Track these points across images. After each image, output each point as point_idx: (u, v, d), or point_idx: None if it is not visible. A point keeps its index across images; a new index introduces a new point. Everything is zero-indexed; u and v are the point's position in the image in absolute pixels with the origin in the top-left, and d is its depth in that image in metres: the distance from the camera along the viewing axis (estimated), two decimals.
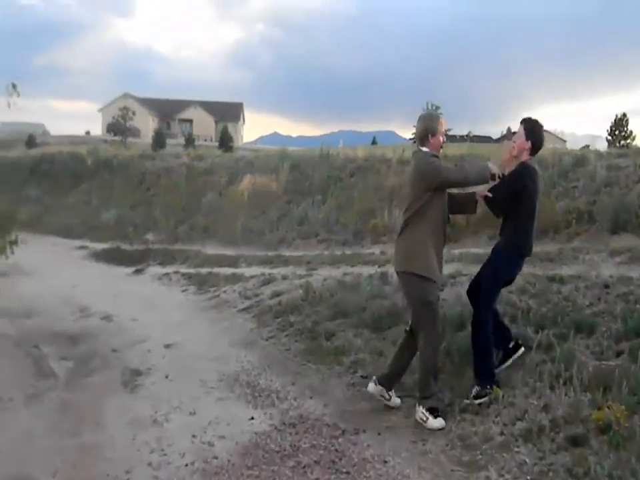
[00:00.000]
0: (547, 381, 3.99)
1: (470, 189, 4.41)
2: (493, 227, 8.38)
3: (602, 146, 31.74)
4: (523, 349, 4.33)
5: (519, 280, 6.20)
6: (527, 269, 6.73)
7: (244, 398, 4.77)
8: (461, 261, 6.99)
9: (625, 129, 37.60)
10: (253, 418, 4.36)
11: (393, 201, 10.13)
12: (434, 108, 32.65)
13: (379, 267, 7.56)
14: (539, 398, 3.86)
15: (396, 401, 4.33)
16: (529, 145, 4.04)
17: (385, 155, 13.13)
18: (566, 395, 3.76)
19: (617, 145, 33.50)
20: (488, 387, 3.99)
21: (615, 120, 37.55)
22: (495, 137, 35.84)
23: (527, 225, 4.07)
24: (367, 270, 7.48)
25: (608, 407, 3.40)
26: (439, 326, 4.24)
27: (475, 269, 4.69)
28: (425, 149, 4.03)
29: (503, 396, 3.97)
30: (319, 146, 15.71)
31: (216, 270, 9.70)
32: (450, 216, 4.20)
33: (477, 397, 4.01)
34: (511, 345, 4.33)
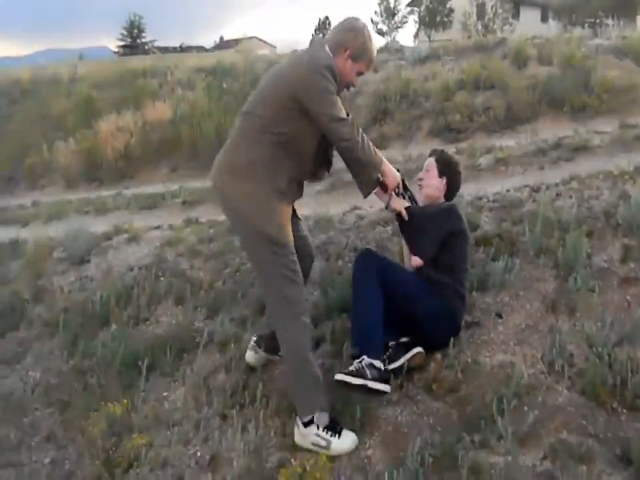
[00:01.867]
0: None
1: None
2: (176, 156, 6.89)
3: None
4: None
5: None
6: None
7: None
8: (129, 208, 5.32)
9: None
10: None
11: (59, 133, 7.91)
12: (137, 18, 29.53)
13: (23, 226, 5.54)
14: None
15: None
16: (444, 184, 2.66)
17: (57, 75, 10.51)
18: None
19: None
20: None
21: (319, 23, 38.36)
22: (208, 46, 33.59)
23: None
24: (4, 233, 5.38)
25: None
26: None
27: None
28: (330, 54, 2.27)
29: None
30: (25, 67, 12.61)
31: None
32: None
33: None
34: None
